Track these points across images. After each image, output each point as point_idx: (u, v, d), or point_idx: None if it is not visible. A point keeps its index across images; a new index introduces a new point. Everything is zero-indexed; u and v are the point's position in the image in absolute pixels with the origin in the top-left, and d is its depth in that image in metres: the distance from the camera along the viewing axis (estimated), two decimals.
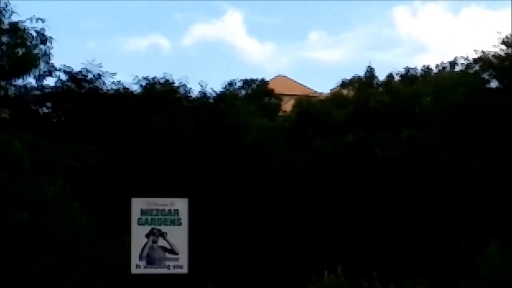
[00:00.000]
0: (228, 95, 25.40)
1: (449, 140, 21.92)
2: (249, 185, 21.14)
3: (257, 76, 34.72)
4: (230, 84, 27.99)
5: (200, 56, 73.34)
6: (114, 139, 18.50)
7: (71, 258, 14.97)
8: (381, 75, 31.77)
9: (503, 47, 23.01)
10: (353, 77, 31.76)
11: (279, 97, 33.25)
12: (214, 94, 24.25)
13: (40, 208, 14.91)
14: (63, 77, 21.75)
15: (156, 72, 23.22)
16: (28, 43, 20.91)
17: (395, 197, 20.66)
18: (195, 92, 23.95)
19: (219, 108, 23.50)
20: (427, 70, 33.17)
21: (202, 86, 24.41)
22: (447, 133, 22.19)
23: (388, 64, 68.10)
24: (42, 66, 21.42)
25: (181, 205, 14.79)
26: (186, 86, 23.99)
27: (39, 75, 21.57)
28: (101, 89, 21.41)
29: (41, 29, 20.73)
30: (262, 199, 20.91)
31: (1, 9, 20.12)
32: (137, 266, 14.46)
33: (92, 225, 15.57)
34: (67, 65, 21.84)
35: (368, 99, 23.34)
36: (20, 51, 20.72)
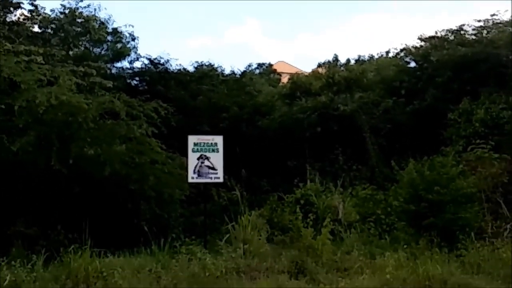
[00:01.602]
0: (248, 73, 25.31)
1: (383, 99, 21.89)
2: (260, 126, 21.20)
3: (267, 61, 35.01)
4: (249, 66, 27.57)
5: (232, 49, 72.71)
6: (177, 99, 18.51)
7: (152, 171, 15.00)
8: (342, 59, 32.71)
9: (418, 41, 23.07)
10: (325, 61, 32.25)
11: (280, 74, 33.20)
12: (239, 72, 24.21)
13: (132, 142, 14.90)
14: (146, 61, 21.74)
15: (204, 59, 23.26)
16: (123, 41, 20.90)
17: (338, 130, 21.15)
18: (227, 71, 23.92)
19: (242, 80, 23.47)
20: (371, 56, 33.57)
21: (232, 67, 24.48)
22: (382, 95, 22.19)
23: (347, 52, 67.88)
24: (132, 55, 21.56)
25: (218, 140, 14.88)
26: (222, 67, 23.94)
27: (130, 60, 21.83)
28: (169, 69, 21.44)
29: (131, 31, 20.79)
30: (268, 134, 21.01)
31: (107, 19, 20.11)
32: (191, 177, 14.54)
33: (164, 152, 15.56)
34: (148, 54, 21.92)
35: (334, 74, 23.09)
36: (119, 46, 20.72)
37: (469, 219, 14.90)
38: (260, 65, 33.20)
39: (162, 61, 21.56)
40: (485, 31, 21.02)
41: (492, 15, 20.93)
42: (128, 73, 21.66)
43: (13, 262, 11.13)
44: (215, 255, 12.80)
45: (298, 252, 13.38)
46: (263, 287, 11.64)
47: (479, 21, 21.04)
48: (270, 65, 35.00)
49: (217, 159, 14.84)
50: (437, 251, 13.62)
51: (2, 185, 12.74)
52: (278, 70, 34.02)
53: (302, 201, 16.09)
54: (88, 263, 11.39)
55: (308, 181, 17.61)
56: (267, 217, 15.32)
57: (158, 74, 21.09)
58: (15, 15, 16.72)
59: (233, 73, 23.92)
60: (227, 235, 14.04)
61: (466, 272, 12.85)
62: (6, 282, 10.43)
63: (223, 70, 23.78)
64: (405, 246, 14.03)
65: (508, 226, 15.07)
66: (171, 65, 21.74)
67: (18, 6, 16.56)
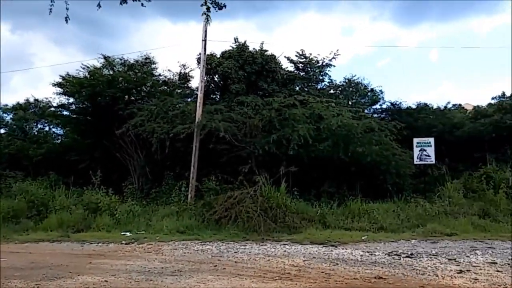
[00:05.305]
0: None
1: None
2: None
3: None
4: None
5: None
6: (406, 121, 11.79)
7: (393, 159, 13.00)
8: None
9: None
10: None
11: None
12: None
13: (381, 144, 12.93)
14: (388, 104, 10.80)
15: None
16: (376, 94, 15.67)
17: None
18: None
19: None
20: None
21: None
22: None
23: None
24: (381, 100, 13.39)
25: (431, 140, 13.16)
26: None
27: (380, 104, 13.59)
28: (401, 107, 11.61)
29: (380, 89, 14.53)
30: None
31: (367, 83, 15.28)
32: (415, 161, 12.95)
33: (399, 149, 13.36)
34: (389, 99, 11.22)
35: None
36: (373, 97, 16.91)
37: None
38: None
39: (396, 102, 10.07)
40: None
41: None
42: (378, 110, 16.93)
43: (321, 204, 10.55)
44: (432, 204, 10.96)
45: None
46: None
47: None
48: None
49: (430, 150, 13.04)
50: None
51: (312, 168, 11.93)
52: None
53: None
54: (359, 206, 10.62)
55: None
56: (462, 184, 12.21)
57: (395, 110, 15.24)
58: (321, 85, 16.75)
59: None
60: (438, 193, 11.92)
61: None
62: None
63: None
64: None
65: None
66: (401, 104, 13.86)
67: (321, 80, 16.66)
